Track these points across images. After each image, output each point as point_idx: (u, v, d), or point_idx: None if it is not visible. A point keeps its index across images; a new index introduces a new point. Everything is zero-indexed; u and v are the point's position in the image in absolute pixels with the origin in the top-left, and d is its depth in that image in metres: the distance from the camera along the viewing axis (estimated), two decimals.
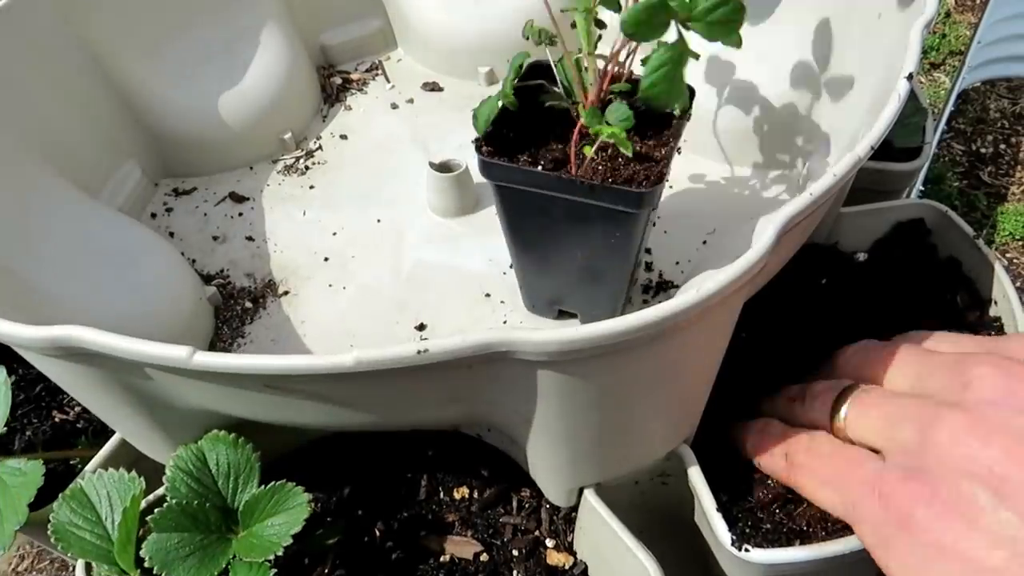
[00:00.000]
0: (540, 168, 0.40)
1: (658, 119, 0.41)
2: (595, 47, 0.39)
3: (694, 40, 0.38)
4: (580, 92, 0.40)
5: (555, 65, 0.42)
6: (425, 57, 0.74)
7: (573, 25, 0.39)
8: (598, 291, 0.47)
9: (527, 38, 0.41)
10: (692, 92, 0.42)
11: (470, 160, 0.58)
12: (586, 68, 0.40)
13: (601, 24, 0.40)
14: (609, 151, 0.40)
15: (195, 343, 0.31)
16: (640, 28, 0.35)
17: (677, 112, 0.41)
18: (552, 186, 0.40)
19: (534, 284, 0.50)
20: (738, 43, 0.35)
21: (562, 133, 0.42)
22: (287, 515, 0.38)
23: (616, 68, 0.40)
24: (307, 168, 0.66)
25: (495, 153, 0.40)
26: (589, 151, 0.39)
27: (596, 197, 0.39)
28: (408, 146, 0.66)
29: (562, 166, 0.40)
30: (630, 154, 0.37)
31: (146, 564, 0.36)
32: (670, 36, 0.36)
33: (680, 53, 0.36)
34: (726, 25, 0.35)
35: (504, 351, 0.28)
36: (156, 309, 0.50)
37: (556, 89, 0.42)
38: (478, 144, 0.41)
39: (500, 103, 0.40)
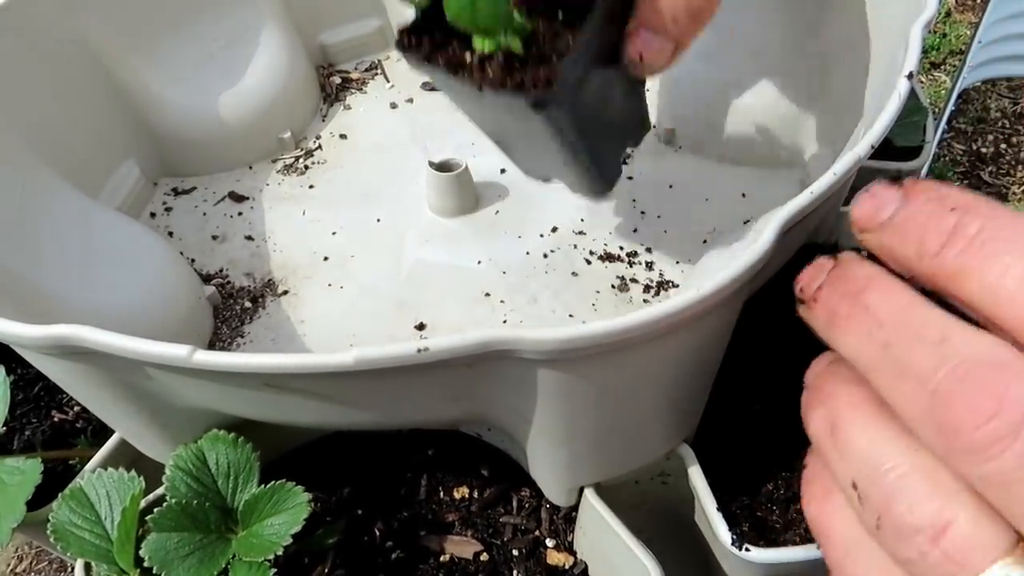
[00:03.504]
0: (442, 66, 0.36)
1: None
2: None
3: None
4: None
5: None
6: None
7: None
8: (569, 170, 0.44)
9: None
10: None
11: (470, 159, 0.58)
12: None
13: None
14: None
15: (194, 342, 0.31)
16: None
17: None
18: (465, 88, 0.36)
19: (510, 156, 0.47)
20: None
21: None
22: (287, 515, 0.38)
23: None
24: (306, 167, 0.66)
25: (410, 46, 0.37)
26: (469, 58, 0.35)
27: (503, 98, 0.35)
28: (408, 145, 0.66)
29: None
30: (487, 51, 0.33)
31: (145, 564, 0.36)
32: None
33: None
34: None
35: (504, 349, 0.28)
36: (155, 308, 0.50)
37: None
38: (399, 41, 0.37)
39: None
